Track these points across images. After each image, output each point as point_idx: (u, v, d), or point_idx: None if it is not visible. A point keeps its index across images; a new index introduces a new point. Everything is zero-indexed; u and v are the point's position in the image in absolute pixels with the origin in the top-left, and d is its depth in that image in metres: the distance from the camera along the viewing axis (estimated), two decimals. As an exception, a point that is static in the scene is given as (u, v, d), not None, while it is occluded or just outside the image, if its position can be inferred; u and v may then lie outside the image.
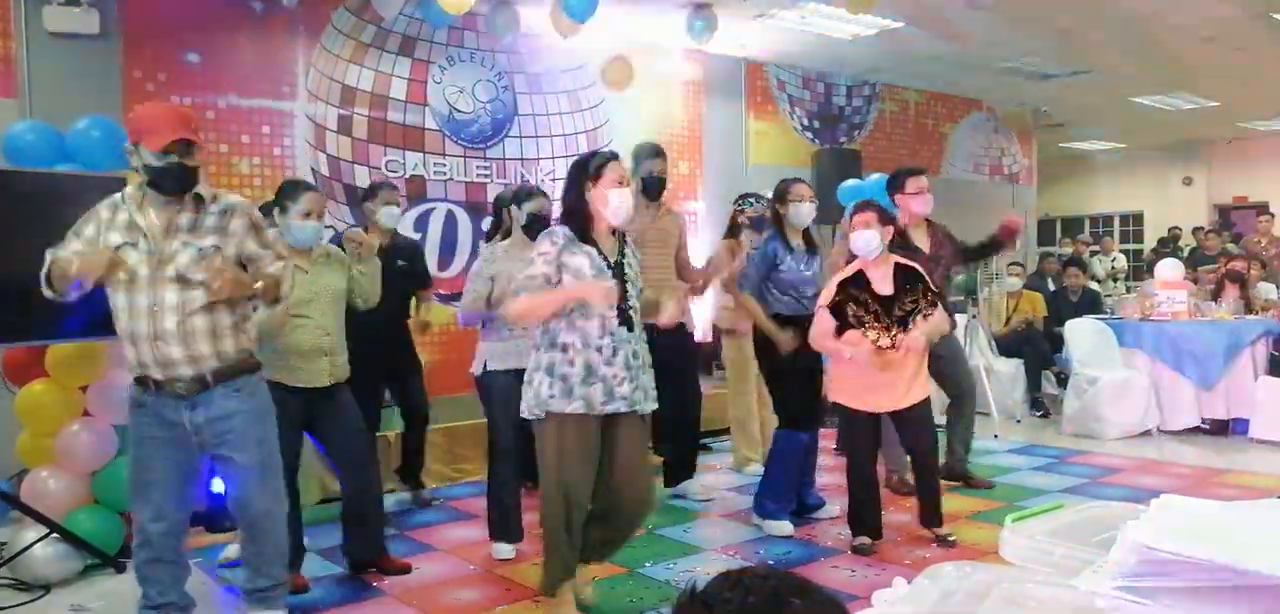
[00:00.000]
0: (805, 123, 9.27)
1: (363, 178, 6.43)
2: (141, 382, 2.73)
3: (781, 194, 4.35)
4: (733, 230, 5.12)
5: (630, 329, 3.12)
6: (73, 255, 2.66)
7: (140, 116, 2.81)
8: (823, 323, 3.92)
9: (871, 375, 3.91)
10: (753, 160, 8.71)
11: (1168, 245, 11.82)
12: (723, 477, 5.56)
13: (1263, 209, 11.81)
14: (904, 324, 3.88)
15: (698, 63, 8.28)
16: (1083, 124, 12.61)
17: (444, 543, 4.35)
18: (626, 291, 3.13)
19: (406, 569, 3.90)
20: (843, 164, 8.27)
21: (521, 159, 7.23)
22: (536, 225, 3.99)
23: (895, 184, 4.87)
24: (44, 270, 2.73)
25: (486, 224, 5.16)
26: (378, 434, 4.96)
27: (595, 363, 3.04)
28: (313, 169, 6.26)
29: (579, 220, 3.11)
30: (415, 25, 6.70)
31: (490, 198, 6.88)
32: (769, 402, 5.42)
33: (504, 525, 4.14)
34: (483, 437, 5.25)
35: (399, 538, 4.38)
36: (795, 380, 4.34)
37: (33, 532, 3.77)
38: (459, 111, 6.94)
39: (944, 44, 8.20)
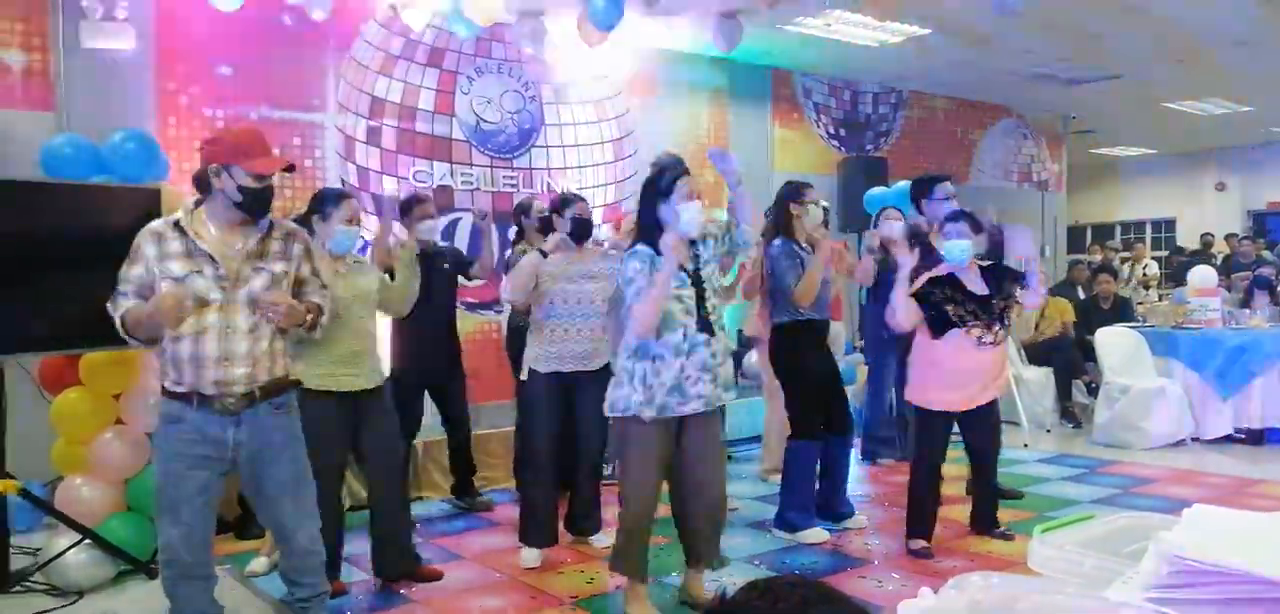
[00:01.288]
0: (831, 130, 9.23)
1: (392, 188, 6.48)
2: (184, 397, 2.68)
3: (795, 195, 4.33)
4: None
5: (710, 333, 3.24)
6: (149, 308, 2.64)
7: (236, 137, 2.77)
8: (912, 311, 3.99)
9: (962, 377, 4.00)
10: (777, 167, 8.67)
11: (1200, 252, 11.62)
12: (747, 485, 5.53)
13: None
14: (1002, 320, 4.03)
15: (723, 71, 8.28)
16: (1113, 129, 12.45)
17: (470, 550, 4.36)
18: (704, 296, 3.24)
19: (438, 576, 3.91)
20: (869, 172, 8.22)
21: (548, 168, 7.26)
22: (581, 229, 4.07)
23: (920, 190, 4.87)
24: (119, 324, 2.71)
25: (511, 232, 5.23)
26: (415, 441, 5.06)
27: (676, 370, 3.18)
28: (342, 179, 6.32)
29: (654, 236, 3.20)
30: (443, 37, 6.74)
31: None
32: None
33: (535, 530, 4.14)
34: (509, 445, 5.32)
35: (426, 545, 4.39)
36: (811, 390, 4.36)
37: (66, 538, 3.82)
38: (486, 122, 6.98)
39: (971, 51, 8.14)
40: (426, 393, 4.99)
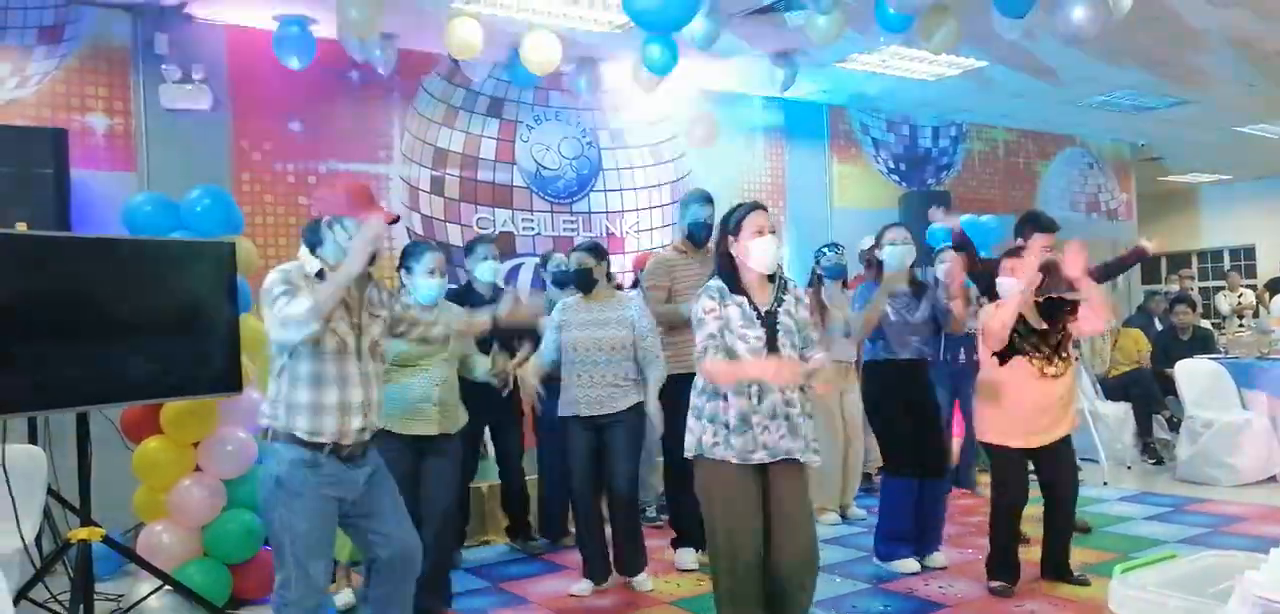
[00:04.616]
0: (891, 165, 9.17)
1: (456, 236, 6.62)
2: (317, 446, 2.73)
3: (877, 239, 4.46)
4: (814, 280, 5.24)
5: None
6: (352, 247, 2.69)
7: (354, 191, 2.89)
8: (1003, 335, 3.94)
9: (1028, 409, 3.97)
10: (837, 204, 8.65)
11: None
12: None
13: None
14: (1060, 352, 4.00)
15: (779, 109, 8.30)
16: (1185, 156, 12.11)
17: (537, 596, 4.36)
18: (777, 338, 3.11)
19: None
20: (931, 206, 8.11)
21: (606, 212, 7.35)
22: (582, 279, 4.24)
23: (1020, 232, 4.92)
24: (310, 307, 2.66)
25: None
26: (473, 484, 5.09)
27: (746, 410, 3.06)
28: (407, 229, 6.48)
29: (729, 272, 3.16)
30: (503, 87, 6.91)
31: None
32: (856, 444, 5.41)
33: (593, 567, 4.31)
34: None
35: (493, 590, 4.42)
36: (905, 428, 4.34)
37: (147, 584, 3.93)
38: (545, 168, 7.11)
39: (1032, 81, 8.03)
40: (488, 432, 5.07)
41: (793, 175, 8.42)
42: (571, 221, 7.19)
